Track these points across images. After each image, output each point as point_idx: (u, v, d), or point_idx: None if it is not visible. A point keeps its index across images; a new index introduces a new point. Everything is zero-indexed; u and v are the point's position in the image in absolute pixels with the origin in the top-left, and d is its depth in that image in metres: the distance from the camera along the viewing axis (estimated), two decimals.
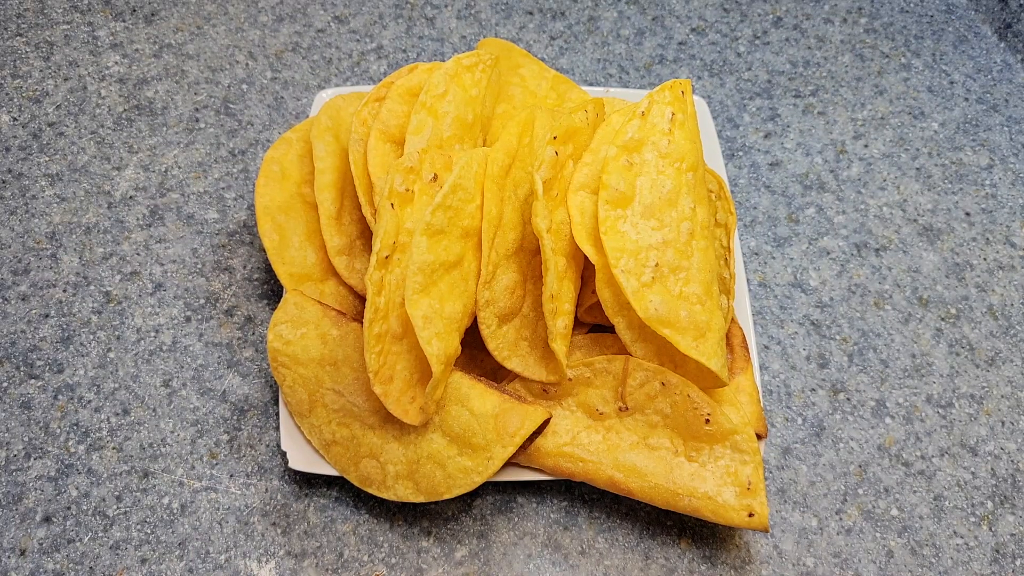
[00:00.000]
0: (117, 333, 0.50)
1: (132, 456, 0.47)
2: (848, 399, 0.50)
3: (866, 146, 0.61)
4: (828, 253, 0.55)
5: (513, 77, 0.52)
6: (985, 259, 0.56)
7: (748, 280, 0.54)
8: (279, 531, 0.45)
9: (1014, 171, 0.59)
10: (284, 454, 0.46)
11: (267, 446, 0.47)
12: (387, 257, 0.39)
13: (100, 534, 0.44)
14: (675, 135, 0.42)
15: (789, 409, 0.50)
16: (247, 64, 0.62)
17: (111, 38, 0.62)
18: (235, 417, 0.48)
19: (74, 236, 0.54)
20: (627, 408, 0.42)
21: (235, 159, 0.58)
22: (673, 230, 0.41)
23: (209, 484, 0.46)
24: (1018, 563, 0.45)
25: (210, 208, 0.56)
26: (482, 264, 0.41)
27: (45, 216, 0.54)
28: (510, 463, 0.42)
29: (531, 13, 0.67)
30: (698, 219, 0.42)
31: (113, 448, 0.47)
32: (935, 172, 0.59)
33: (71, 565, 0.43)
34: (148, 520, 0.45)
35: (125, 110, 0.59)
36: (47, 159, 0.57)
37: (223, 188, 0.56)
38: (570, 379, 0.43)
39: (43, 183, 0.56)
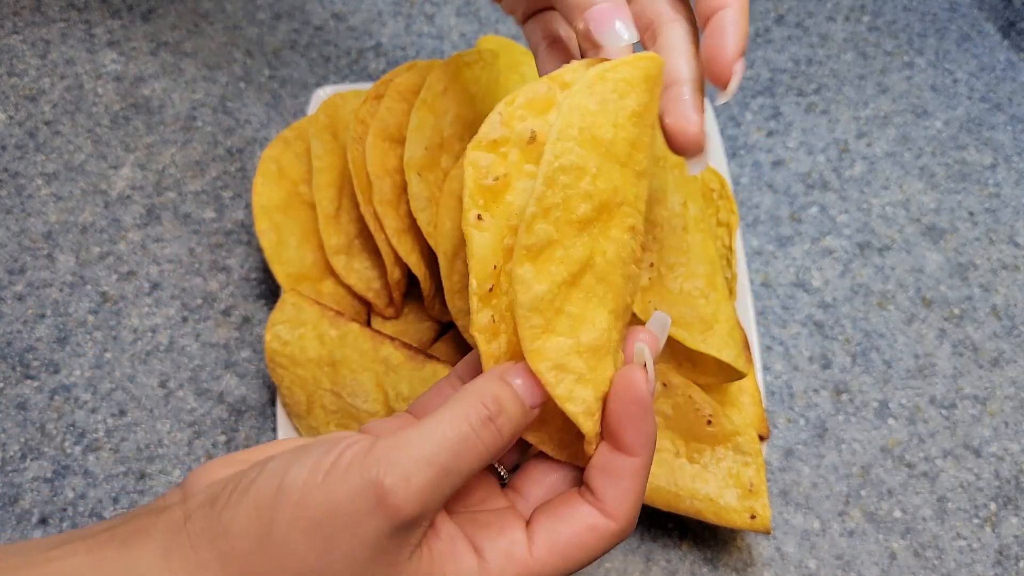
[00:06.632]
0: (113, 333, 0.50)
1: (129, 457, 0.46)
2: (851, 400, 0.50)
3: (869, 145, 0.60)
4: (831, 253, 0.55)
5: (513, 75, 0.52)
6: (989, 259, 0.55)
7: (750, 280, 0.53)
8: None
9: (1018, 170, 0.59)
10: None
11: None
12: (490, 289, 0.28)
13: None
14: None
15: (791, 410, 0.49)
16: (244, 62, 0.62)
17: (108, 36, 0.62)
18: (232, 418, 0.48)
19: (70, 235, 0.53)
20: None
21: (232, 158, 0.57)
22: (663, 229, 0.41)
23: None
24: (1021, 565, 0.45)
25: (207, 207, 0.55)
26: (443, 275, 0.40)
27: (41, 215, 0.54)
28: None
29: None
30: (689, 213, 0.42)
31: (110, 449, 0.47)
32: (938, 171, 0.59)
33: None
34: None
35: (122, 108, 0.59)
36: (43, 158, 0.56)
37: (220, 187, 0.56)
38: None
39: (39, 182, 0.55)
